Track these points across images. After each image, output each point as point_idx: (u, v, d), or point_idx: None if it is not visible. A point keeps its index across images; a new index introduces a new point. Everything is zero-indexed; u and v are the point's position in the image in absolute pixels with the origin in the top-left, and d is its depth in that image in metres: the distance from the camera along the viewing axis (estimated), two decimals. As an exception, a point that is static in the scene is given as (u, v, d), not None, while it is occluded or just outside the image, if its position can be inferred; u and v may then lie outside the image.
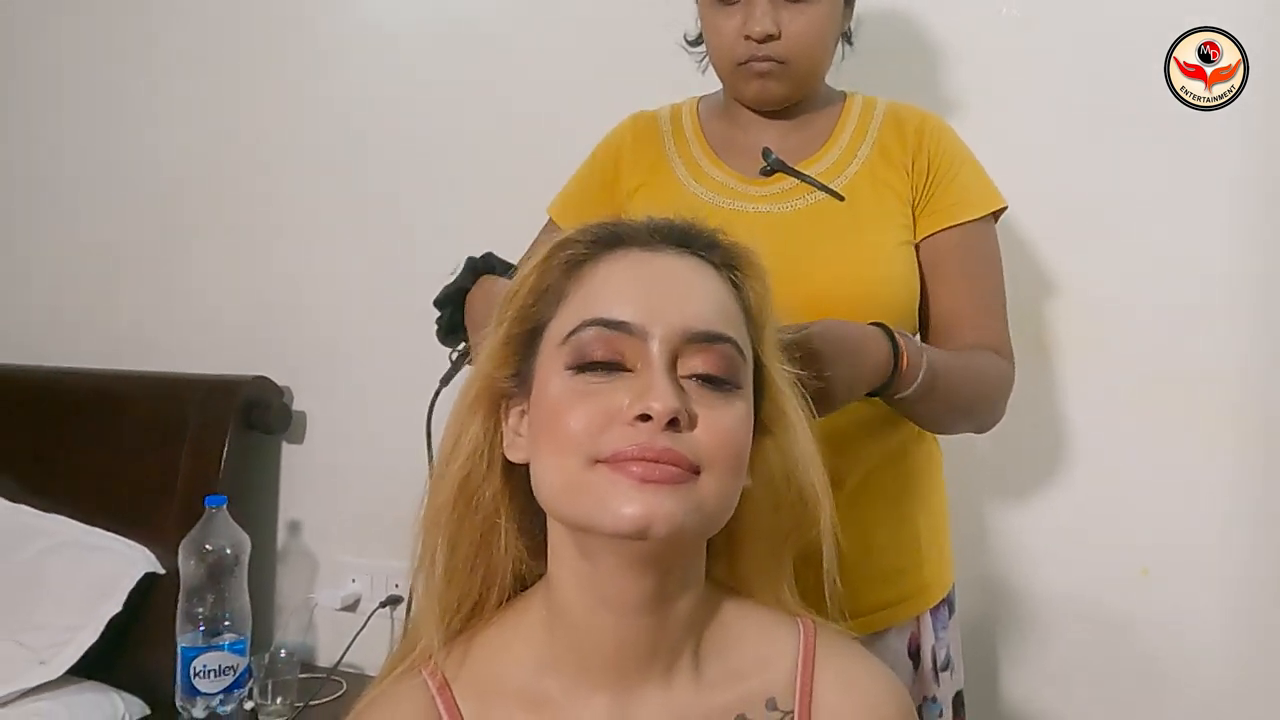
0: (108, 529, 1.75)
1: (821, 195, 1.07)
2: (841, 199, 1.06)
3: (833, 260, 1.05)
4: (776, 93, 1.09)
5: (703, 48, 1.15)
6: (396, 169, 1.82)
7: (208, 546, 1.59)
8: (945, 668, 1.13)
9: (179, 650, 1.56)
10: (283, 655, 1.62)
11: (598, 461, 0.63)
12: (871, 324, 0.91)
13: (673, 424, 0.62)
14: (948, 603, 1.15)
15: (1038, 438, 1.42)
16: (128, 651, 1.66)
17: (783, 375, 0.73)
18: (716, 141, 1.15)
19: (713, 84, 1.18)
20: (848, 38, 1.17)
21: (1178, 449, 1.36)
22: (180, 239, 2.00)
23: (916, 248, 1.09)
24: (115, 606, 1.63)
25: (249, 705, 1.59)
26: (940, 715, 1.12)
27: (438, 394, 1.01)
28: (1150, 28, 1.36)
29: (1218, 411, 1.34)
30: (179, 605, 1.59)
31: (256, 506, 1.85)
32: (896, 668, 1.07)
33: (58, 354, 2.01)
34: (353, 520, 1.84)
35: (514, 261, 1.04)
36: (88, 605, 1.64)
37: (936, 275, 1.08)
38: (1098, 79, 1.40)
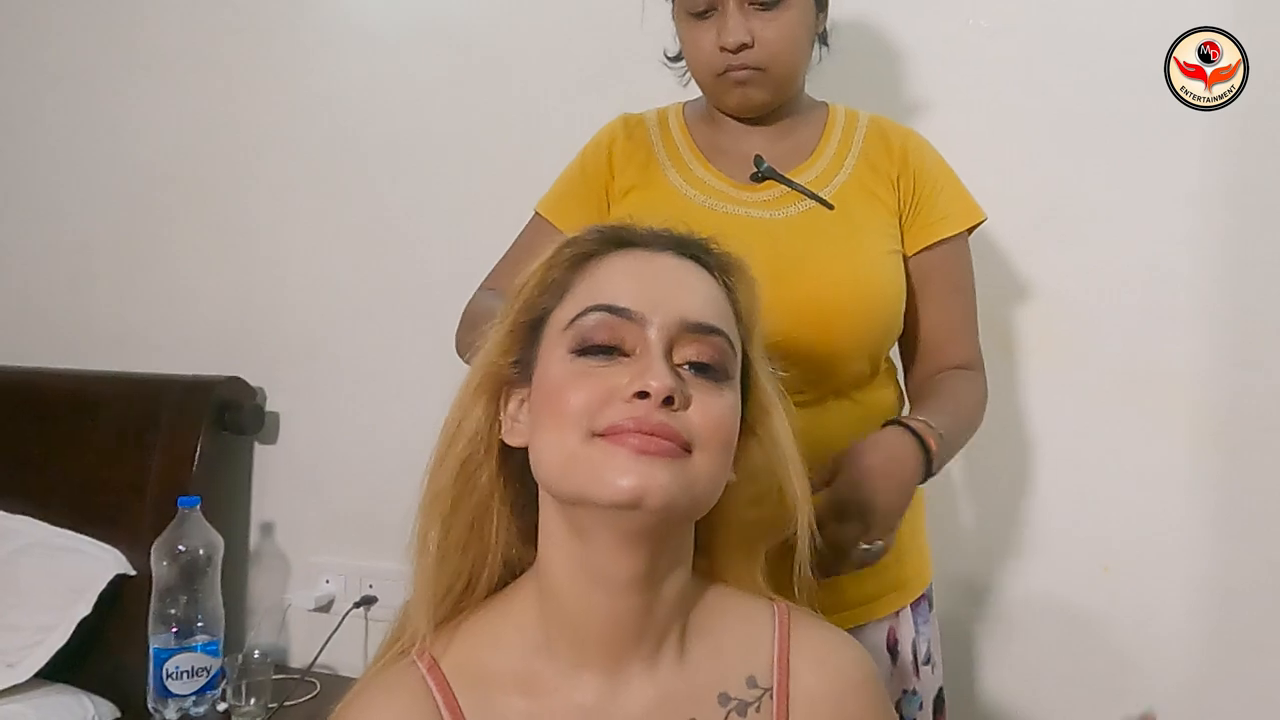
0: (78, 530, 1.74)
1: (811, 203, 1.09)
2: (831, 207, 1.08)
3: (826, 268, 1.07)
4: (757, 99, 1.11)
5: (683, 63, 1.17)
6: (372, 169, 1.82)
7: (180, 547, 1.58)
8: (926, 662, 1.16)
9: (151, 652, 1.56)
10: (256, 656, 1.61)
11: (595, 435, 0.66)
12: (886, 424, 0.97)
13: (668, 403, 0.66)
14: (927, 598, 1.17)
15: (1003, 437, 1.44)
16: (98, 654, 1.65)
17: (769, 377, 0.77)
18: (705, 146, 1.16)
19: (695, 93, 1.19)
20: (823, 39, 1.19)
21: (1138, 448, 1.39)
22: (154, 239, 1.98)
23: (913, 259, 1.12)
24: (85, 608, 1.61)
25: (222, 707, 1.59)
26: (920, 708, 1.14)
27: None
28: (1151, 27, 1.37)
29: (1177, 411, 1.38)
30: (151, 606, 1.58)
31: (229, 507, 1.84)
32: (878, 662, 1.09)
33: (28, 354, 2.00)
34: (326, 521, 1.84)
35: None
36: (58, 607, 1.63)
37: (924, 292, 1.12)
38: (1080, 83, 1.42)
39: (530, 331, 0.74)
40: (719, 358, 0.70)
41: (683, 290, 0.72)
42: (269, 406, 1.88)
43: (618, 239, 0.75)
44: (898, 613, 1.13)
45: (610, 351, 0.69)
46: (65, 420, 1.87)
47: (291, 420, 1.88)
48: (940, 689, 1.19)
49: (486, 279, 1.19)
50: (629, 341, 0.69)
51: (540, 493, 0.73)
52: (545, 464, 0.69)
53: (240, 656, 1.62)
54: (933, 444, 0.96)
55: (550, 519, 0.72)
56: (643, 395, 0.66)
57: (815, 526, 0.77)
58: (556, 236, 0.78)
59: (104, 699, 1.63)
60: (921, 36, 1.49)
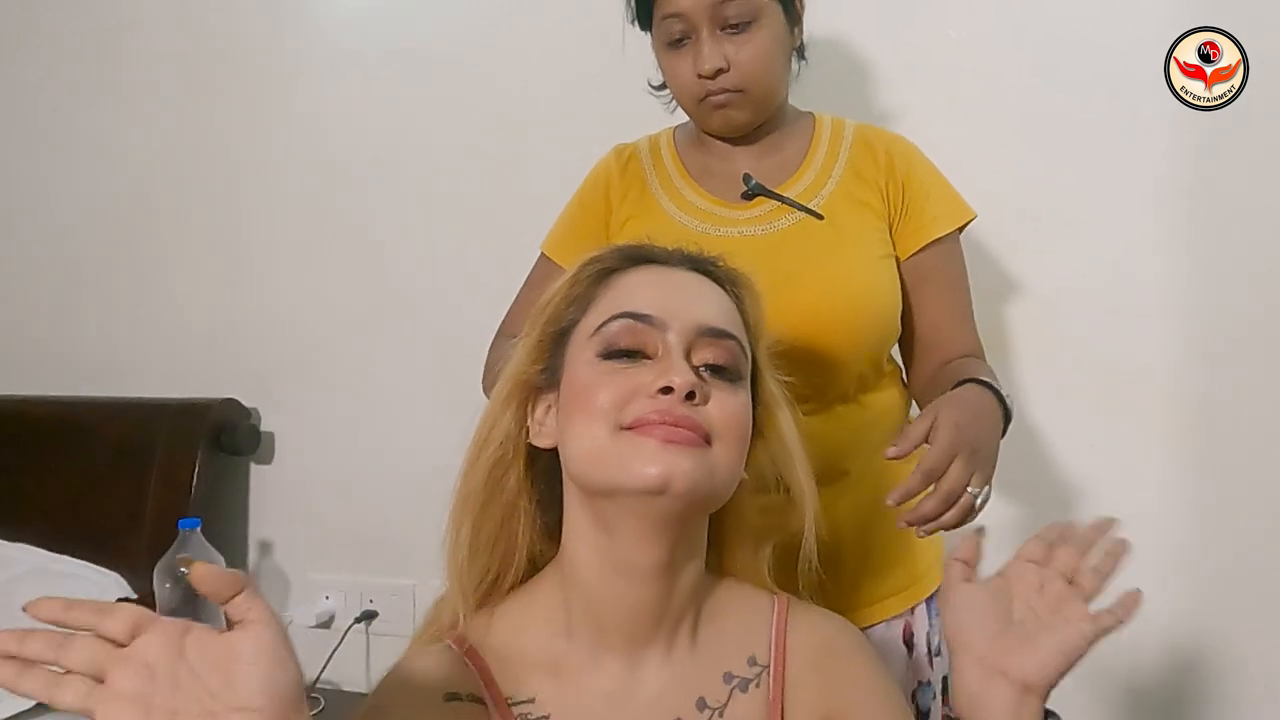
0: (78, 556, 1.75)
1: (801, 216, 1.12)
2: (821, 218, 1.12)
3: (819, 276, 1.10)
4: (739, 120, 1.13)
5: (668, 91, 1.20)
6: (356, 189, 1.84)
7: (182, 570, 1.60)
8: (938, 653, 1.19)
9: (156, 674, 1.57)
10: (260, 673, 1.63)
11: (623, 429, 0.71)
12: (963, 381, 0.99)
13: (689, 398, 0.71)
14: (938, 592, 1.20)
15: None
16: (101, 678, 1.67)
17: (775, 382, 0.83)
18: (695, 170, 1.20)
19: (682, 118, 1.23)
20: (800, 53, 1.21)
21: (1113, 441, 1.44)
22: (141, 264, 2.00)
23: (899, 265, 1.15)
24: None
25: (228, 725, 1.61)
26: (934, 698, 1.17)
27: None
28: (1151, 27, 1.39)
29: (1150, 406, 1.43)
30: (155, 629, 1.59)
31: (227, 527, 1.86)
32: (890, 655, 1.13)
33: (18, 381, 2.01)
34: (324, 538, 1.86)
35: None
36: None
37: (921, 292, 1.15)
38: (1072, 83, 1.45)
39: (557, 341, 0.79)
40: (733, 360, 0.76)
41: (698, 300, 0.78)
42: (263, 427, 1.90)
43: (637, 256, 0.81)
44: (913, 609, 1.17)
45: (634, 355, 0.74)
46: (60, 447, 1.89)
47: (286, 440, 1.91)
48: (946, 676, 1.21)
49: (502, 324, 1.21)
50: (651, 345, 0.75)
51: (566, 490, 0.78)
52: (576, 458, 0.74)
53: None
54: (1003, 390, 0.98)
55: (576, 514, 0.77)
56: (666, 391, 0.71)
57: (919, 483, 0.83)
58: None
59: (108, 723, 1.65)
60: (905, 45, 1.53)
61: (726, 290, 0.81)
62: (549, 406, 0.79)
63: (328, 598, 1.83)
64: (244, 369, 1.90)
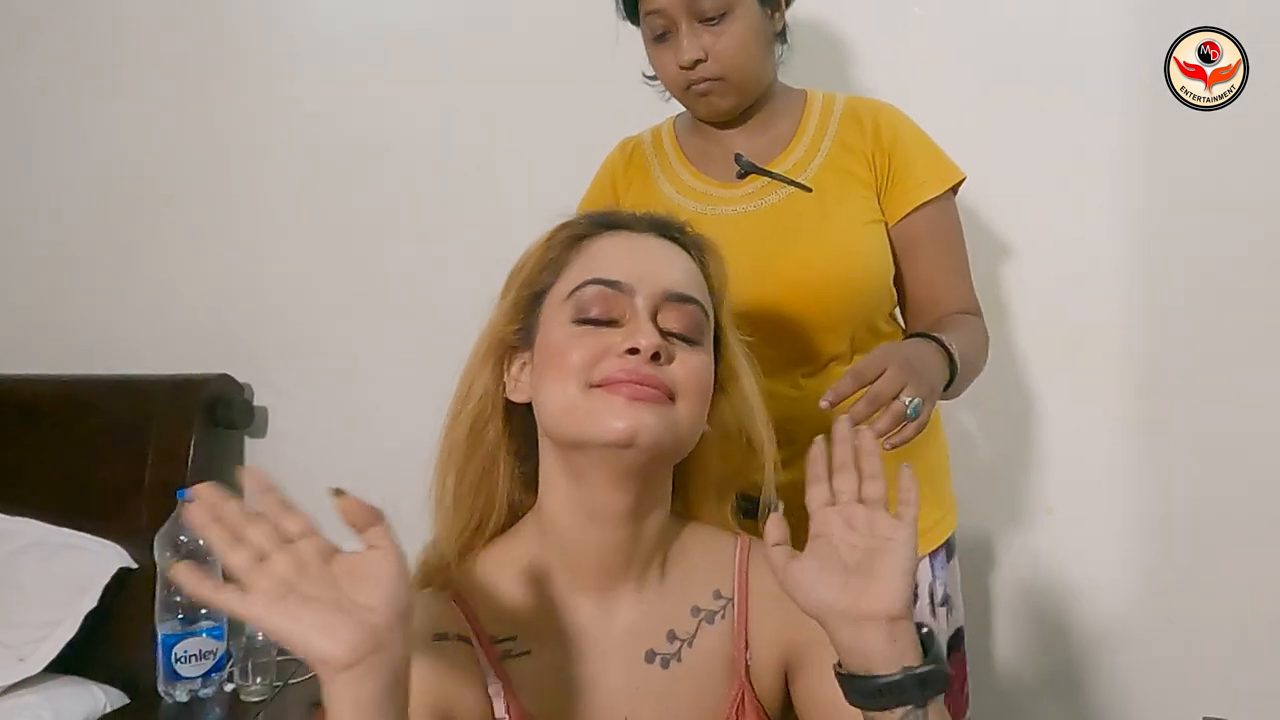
0: (79, 529, 1.79)
1: (791, 190, 1.18)
2: (809, 190, 1.17)
3: (806, 245, 1.16)
4: (723, 106, 1.20)
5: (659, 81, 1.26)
6: (345, 170, 1.89)
7: (182, 538, 1.65)
8: (943, 604, 1.25)
9: (159, 638, 1.63)
10: (260, 639, 1.69)
11: (592, 387, 0.77)
12: (911, 335, 1.05)
13: (655, 358, 0.77)
14: (946, 547, 1.26)
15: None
16: (104, 645, 1.71)
17: (738, 342, 0.89)
18: (693, 154, 1.27)
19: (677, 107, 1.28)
20: (782, 36, 1.25)
21: (1072, 401, 1.51)
22: (134, 244, 2.04)
23: (889, 230, 1.20)
24: (91, 601, 1.68)
25: (229, 687, 1.66)
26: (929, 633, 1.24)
27: None
28: (1152, 28, 1.43)
29: (1106, 367, 1.49)
30: (157, 595, 1.65)
31: (224, 500, 1.90)
32: None
33: (13, 360, 2.04)
34: (317, 509, 1.88)
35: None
36: (64, 602, 1.69)
37: (911, 253, 1.20)
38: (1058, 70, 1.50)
39: (531, 303, 0.85)
40: (695, 323, 0.82)
41: (664, 265, 0.83)
42: (256, 401, 1.95)
43: (606, 222, 0.86)
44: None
45: (603, 321, 0.80)
46: (58, 424, 1.92)
47: (278, 414, 1.96)
48: (959, 629, 1.28)
49: None
50: (619, 309, 0.80)
51: (541, 442, 0.84)
52: (550, 412, 0.80)
53: (244, 639, 1.69)
54: (951, 349, 1.03)
55: (551, 465, 0.82)
56: (633, 351, 0.77)
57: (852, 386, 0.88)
58: None
59: (112, 688, 1.70)
60: (908, 41, 1.58)
61: (691, 255, 0.86)
62: (524, 364, 0.84)
63: (322, 565, 1.89)
64: (237, 346, 1.94)
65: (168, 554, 1.65)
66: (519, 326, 0.85)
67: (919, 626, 0.73)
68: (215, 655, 1.65)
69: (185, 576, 0.64)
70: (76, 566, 1.74)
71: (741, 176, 1.21)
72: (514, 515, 0.87)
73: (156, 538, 1.67)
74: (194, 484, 1.74)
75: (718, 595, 0.86)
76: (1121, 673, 1.51)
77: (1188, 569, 1.48)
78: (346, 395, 1.90)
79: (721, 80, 1.17)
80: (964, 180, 1.21)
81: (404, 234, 1.86)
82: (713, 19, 1.14)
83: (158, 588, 1.65)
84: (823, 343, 1.15)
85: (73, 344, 2.05)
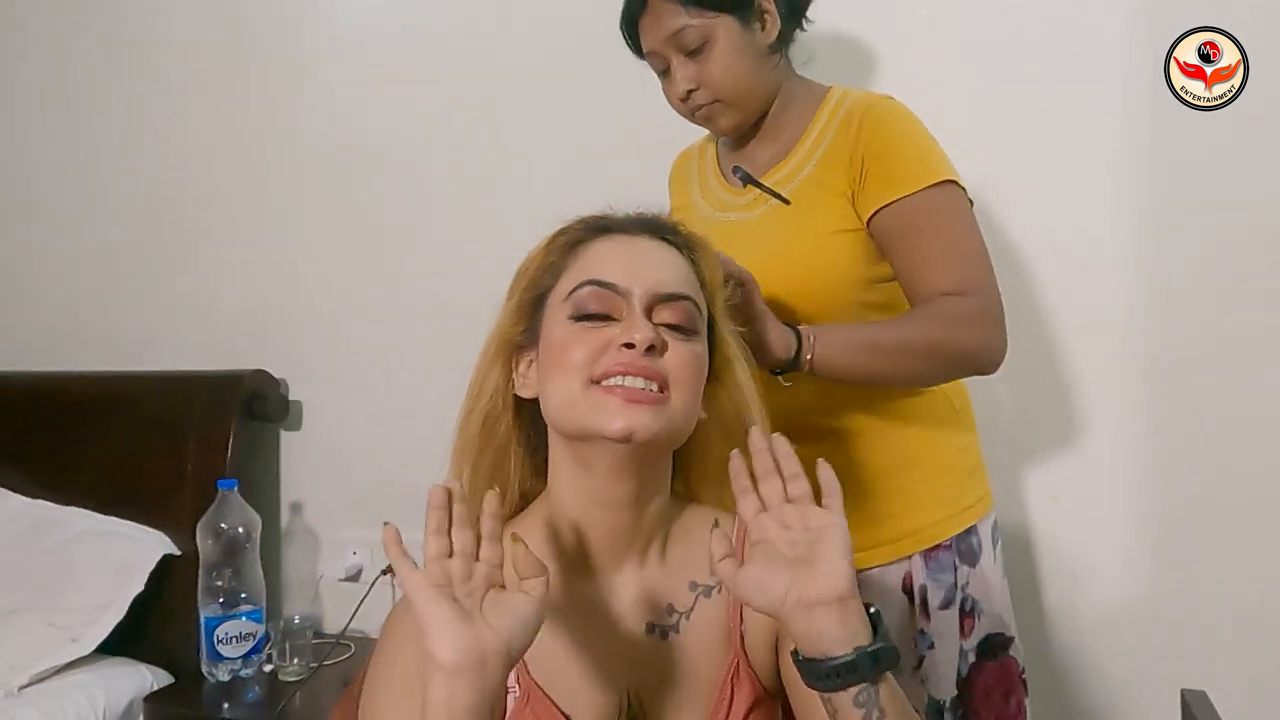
0: (125, 517, 1.89)
1: (777, 202, 1.23)
2: (788, 203, 1.22)
3: (778, 254, 1.20)
4: (727, 124, 1.26)
5: None
6: (375, 172, 1.96)
7: (223, 526, 1.74)
8: (945, 607, 1.23)
9: (202, 621, 1.72)
10: (296, 622, 1.77)
11: (593, 383, 0.82)
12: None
13: (650, 351, 0.82)
14: (952, 548, 1.24)
15: (957, 385, 1.59)
16: (151, 628, 1.81)
17: (731, 334, 0.94)
18: (725, 162, 1.34)
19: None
20: (779, 45, 1.26)
21: (1077, 390, 1.53)
22: (174, 246, 2.13)
23: (869, 227, 1.21)
24: (138, 586, 1.77)
25: (268, 667, 1.75)
26: (931, 647, 1.23)
27: None
28: (1152, 28, 1.43)
29: (1110, 356, 1.52)
30: (200, 580, 1.74)
31: (261, 490, 1.99)
32: (888, 599, 1.21)
33: (62, 359, 2.15)
34: (350, 498, 1.98)
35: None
36: (112, 587, 1.78)
37: (891, 248, 1.21)
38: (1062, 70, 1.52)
39: (534, 305, 0.90)
40: (687, 317, 0.86)
41: (657, 266, 0.88)
42: (292, 396, 2.03)
43: (600, 226, 0.91)
44: (910, 558, 1.23)
45: (601, 318, 0.85)
46: (105, 418, 2.01)
47: (313, 407, 2.03)
48: (992, 635, 1.26)
49: None
50: (616, 308, 0.85)
51: (550, 434, 0.89)
52: (554, 406, 0.85)
53: (281, 622, 1.78)
54: (808, 337, 1.07)
55: (559, 455, 0.88)
56: (629, 346, 0.82)
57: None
58: None
59: (158, 668, 1.79)
60: (909, 36, 1.60)
61: (683, 254, 0.91)
62: (530, 361, 0.89)
63: (355, 553, 1.96)
64: (273, 342, 2.02)
65: (209, 541, 1.74)
66: (524, 327, 0.90)
67: (867, 607, 0.77)
68: (254, 637, 1.73)
69: (389, 537, 0.76)
70: (124, 553, 1.83)
71: (743, 185, 1.27)
72: (525, 500, 0.93)
73: (198, 526, 1.76)
74: (232, 476, 1.85)
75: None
76: (1125, 658, 1.54)
77: (1191, 556, 1.50)
78: (376, 390, 1.97)
79: (718, 102, 1.23)
80: (951, 180, 1.19)
81: (432, 235, 1.92)
82: (696, 50, 1.21)
83: (200, 573, 1.74)
84: None
85: (119, 342, 2.14)
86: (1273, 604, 1.45)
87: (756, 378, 0.94)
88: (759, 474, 0.82)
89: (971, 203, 1.22)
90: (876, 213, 1.19)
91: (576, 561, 0.88)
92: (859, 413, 1.24)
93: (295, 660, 1.74)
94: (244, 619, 1.73)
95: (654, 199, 1.13)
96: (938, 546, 1.24)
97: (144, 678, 1.76)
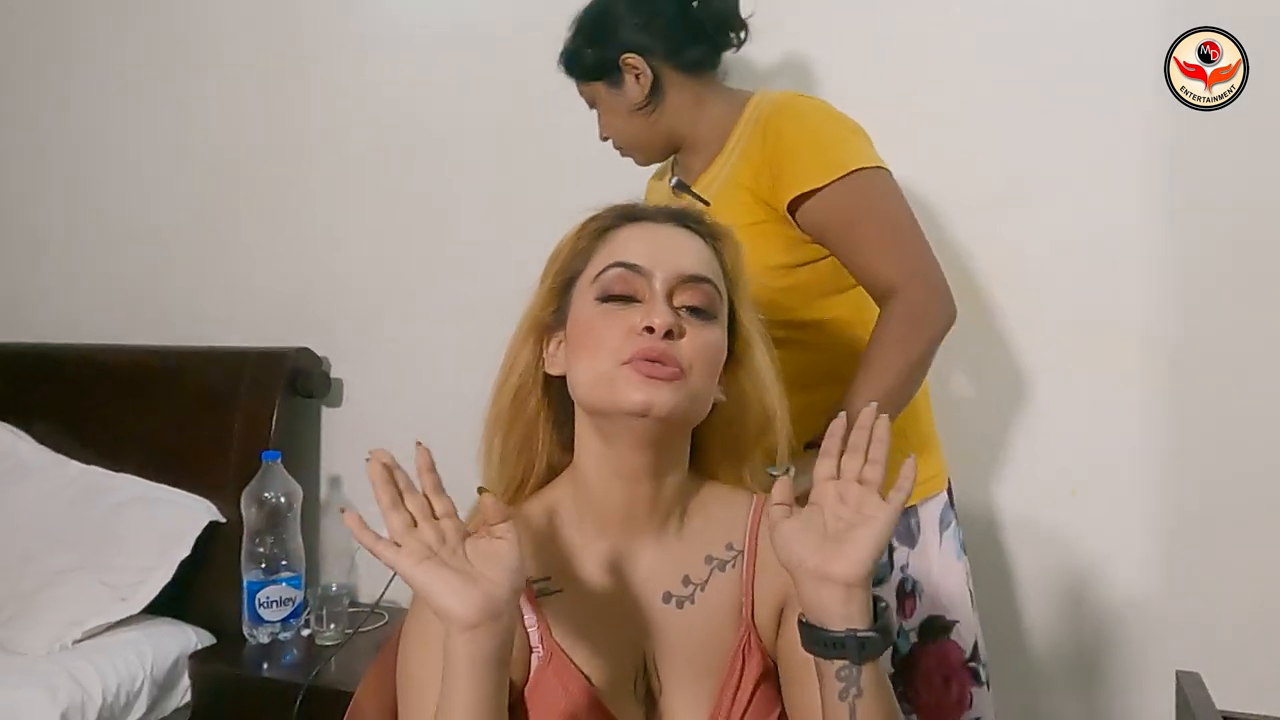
0: (173, 486, 1.97)
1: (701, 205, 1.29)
2: (707, 204, 1.28)
3: None
4: (639, 162, 1.43)
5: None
6: (415, 160, 2.01)
7: (266, 495, 1.82)
8: (877, 583, 1.26)
9: (245, 585, 1.80)
10: (334, 590, 1.85)
11: (620, 364, 0.86)
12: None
13: (669, 335, 0.86)
14: (907, 531, 1.30)
15: (980, 380, 1.63)
16: (196, 591, 1.89)
17: (752, 320, 0.97)
18: (675, 174, 1.43)
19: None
20: (652, 95, 1.33)
21: (1098, 387, 1.56)
22: (223, 227, 2.21)
23: (800, 225, 1.26)
24: (185, 550, 1.85)
25: (306, 632, 1.83)
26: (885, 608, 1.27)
27: None
28: (1150, 28, 1.45)
29: (1130, 353, 1.54)
30: (243, 546, 1.82)
31: (302, 464, 2.05)
32: None
33: (118, 332, 2.24)
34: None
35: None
36: (160, 550, 1.86)
37: (825, 243, 1.26)
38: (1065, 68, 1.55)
39: (564, 288, 0.95)
40: (708, 301, 0.90)
41: (680, 251, 0.92)
42: (333, 374, 2.10)
43: (630, 214, 0.96)
44: None
45: (625, 299, 0.89)
46: (156, 390, 2.10)
47: (354, 385, 2.10)
48: (930, 618, 1.30)
49: None
50: (639, 290, 0.89)
51: (576, 410, 0.94)
52: (580, 383, 0.90)
53: (320, 589, 1.86)
54: None
55: (584, 429, 0.93)
56: (650, 330, 0.86)
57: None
58: None
59: (202, 629, 1.88)
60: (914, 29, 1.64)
61: (707, 242, 0.95)
62: (559, 341, 0.94)
63: (391, 527, 2.03)
64: (316, 322, 2.09)
65: (252, 509, 1.82)
66: (554, 308, 0.95)
67: (877, 600, 0.82)
68: (294, 603, 1.81)
69: (353, 523, 0.79)
70: (171, 519, 1.91)
71: (677, 190, 1.36)
72: (553, 472, 0.98)
73: (243, 495, 1.84)
74: (276, 447, 1.92)
75: (730, 547, 0.95)
76: (1140, 650, 1.56)
77: (1207, 551, 1.52)
78: (415, 368, 2.03)
79: (622, 151, 1.42)
80: (861, 168, 1.22)
81: (469, 223, 1.98)
82: (595, 106, 1.39)
83: (244, 539, 1.82)
84: None
85: (169, 318, 2.23)
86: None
87: (775, 362, 0.97)
88: (850, 446, 0.86)
89: (889, 173, 1.25)
90: (796, 209, 1.25)
91: (598, 531, 0.93)
92: (801, 393, 1.25)
93: (332, 626, 1.81)
94: (284, 584, 1.81)
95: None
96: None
97: (188, 637, 1.84)
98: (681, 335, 0.88)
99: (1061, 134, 1.55)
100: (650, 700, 0.91)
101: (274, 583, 1.80)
